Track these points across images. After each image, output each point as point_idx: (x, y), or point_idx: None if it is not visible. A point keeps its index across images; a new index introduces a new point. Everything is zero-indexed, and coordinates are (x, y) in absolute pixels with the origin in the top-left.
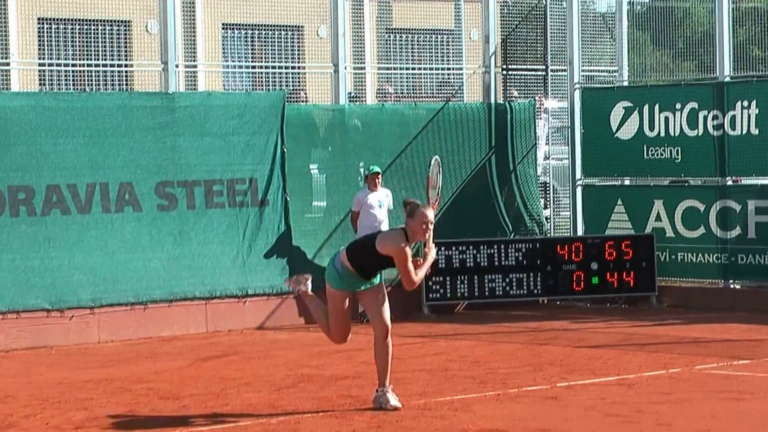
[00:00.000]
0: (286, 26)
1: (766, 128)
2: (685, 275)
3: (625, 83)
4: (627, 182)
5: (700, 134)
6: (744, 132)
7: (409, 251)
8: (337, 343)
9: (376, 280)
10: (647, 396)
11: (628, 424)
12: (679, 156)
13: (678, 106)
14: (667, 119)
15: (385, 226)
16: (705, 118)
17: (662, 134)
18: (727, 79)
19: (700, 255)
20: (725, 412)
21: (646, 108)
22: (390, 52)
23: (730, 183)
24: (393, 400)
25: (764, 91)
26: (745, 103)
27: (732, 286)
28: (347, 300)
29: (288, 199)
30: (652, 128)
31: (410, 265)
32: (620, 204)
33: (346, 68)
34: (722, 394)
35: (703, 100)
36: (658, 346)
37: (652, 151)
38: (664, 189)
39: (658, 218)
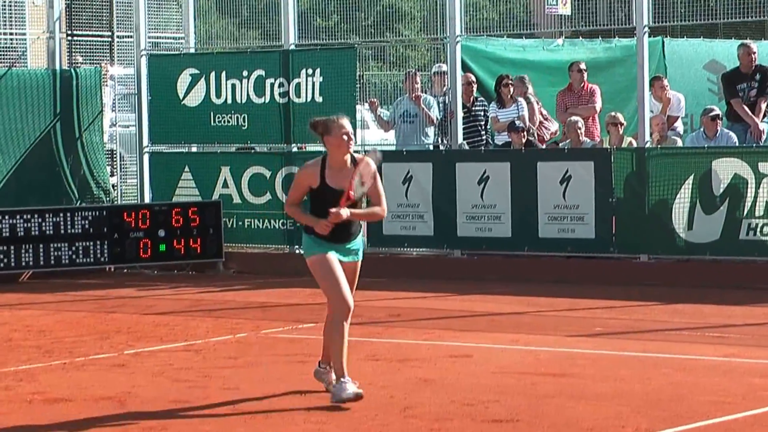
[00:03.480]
0: None
1: (330, 96)
2: (252, 241)
3: (192, 50)
4: (194, 149)
5: (266, 102)
6: (309, 99)
7: (306, 174)
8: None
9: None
10: (214, 361)
11: (195, 389)
12: (246, 123)
13: (245, 73)
14: (234, 86)
15: None
16: (271, 85)
17: (229, 101)
18: (292, 47)
19: (266, 221)
20: (291, 374)
21: (213, 75)
22: None
23: (295, 150)
24: (352, 387)
25: (327, 59)
26: (310, 71)
27: (297, 251)
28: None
29: None
30: (219, 95)
31: (295, 191)
32: (187, 171)
33: None
34: (288, 357)
35: (270, 68)
36: (225, 312)
37: (219, 118)
38: (231, 156)
39: (225, 185)
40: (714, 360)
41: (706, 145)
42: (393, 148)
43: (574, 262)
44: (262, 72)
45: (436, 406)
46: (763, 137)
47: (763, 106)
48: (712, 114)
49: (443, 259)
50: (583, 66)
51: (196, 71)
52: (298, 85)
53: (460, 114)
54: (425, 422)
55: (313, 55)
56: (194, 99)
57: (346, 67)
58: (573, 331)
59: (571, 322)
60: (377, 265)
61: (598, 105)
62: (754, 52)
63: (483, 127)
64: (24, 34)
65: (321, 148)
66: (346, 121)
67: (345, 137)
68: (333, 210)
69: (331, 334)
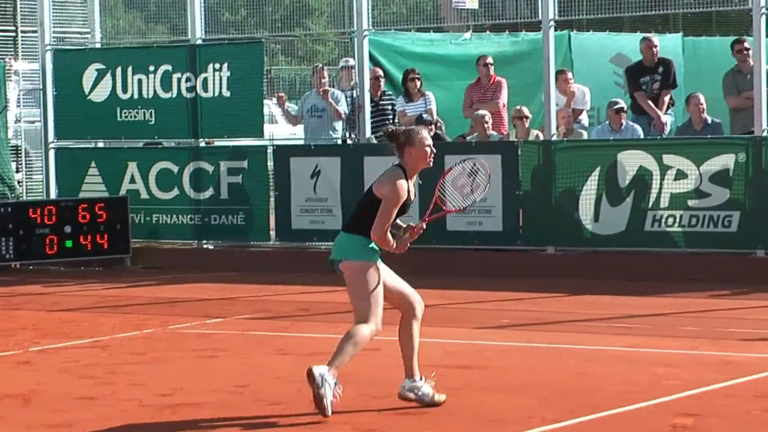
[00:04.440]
0: None
1: (237, 90)
2: (160, 236)
3: (98, 45)
4: (101, 144)
5: (173, 96)
6: (216, 94)
7: (404, 189)
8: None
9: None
10: (121, 357)
11: (102, 386)
12: (153, 118)
13: (151, 68)
14: (140, 81)
15: None
16: (178, 80)
17: (136, 96)
18: (200, 41)
19: (174, 216)
20: (199, 370)
21: (119, 70)
22: None
23: (203, 145)
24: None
25: (235, 53)
26: (217, 66)
27: (205, 246)
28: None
29: None
30: (125, 90)
31: (394, 211)
32: (94, 166)
33: None
34: (196, 353)
35: (177, 63)
36: (132, 308)
37: (125, 113)
38: (138, 151)
39: (133, 180)
40: (620, 350)
41: (611, 138)
42: (301, 142)
43: (482, 255)
44: (168, 67)
45: (345, 399)
46: (667, 129)
47: (666, 98)
48: (616, 107)
49: None
50: (489, 60)
51: (102, 66)
52: (206, 79)
53: (368, 108)
54: (334, 416)
55: (221, 50)
56: (100, 94)
57: (254, 62)
58: (481, 324)
59: (479, 314)
60: (286, 260)
61: (502, 100)
62: (656, 46)
63: (391, 121)
64: None
65: (229, 143)
66: (426, 133)
67: (429, 149)
68: (418, 226)
69: (348, 340)
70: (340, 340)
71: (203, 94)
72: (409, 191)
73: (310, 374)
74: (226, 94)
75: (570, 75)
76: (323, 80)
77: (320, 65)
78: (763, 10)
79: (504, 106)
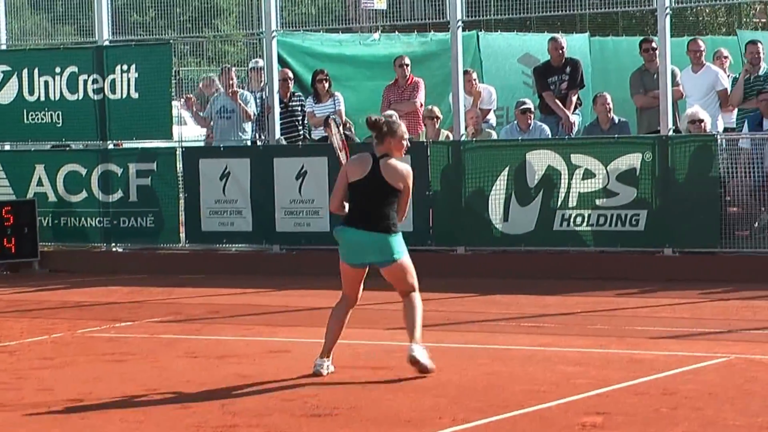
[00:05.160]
0: None
1: (145, 92)
2: (69, 240)
3: (4, 47)
4: (7, 147)
5: (80, 98)
6: (124, 96)
7: None
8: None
9: None
10: (29, 362)
11: (9, 391)
12: (61, 120)
13: (58, 70)
14: (47, 83)
15: None
16: (85, 82)
17: (43, 98)
18: (107, 43)
19: (83, 219)
20: (108, 374)
21: (25, 72)
22: None
23: (111, 147)
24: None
25: (143, 54)
26: (125, 67)
27: (114, 249)
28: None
29: None
30: (32, 92)
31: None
32: (0, 169)
33: None
34: (105, 357)
35: (83, 64)
36: (40, 312)
37: (32, 115)
38: (46, 153)
39: (40, 183)
40: (529, 349)
41: (519, 138)
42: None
43: None
44: (75, 68)
45: (255, 401)
46: (575, 129)
47: (574, 98)
48: (522, 107)
49: (262, 254)
50: (406, 61)
51: (8, 68)
52: (113, 81)
53: (277, 109)
54: (244, 418)
55: (128, 51)
56: (6, 96)
57: (162, 63)
58: (390, 324)
59: (388, 315)
60: (195, 262)
61: (419, 100)
62: (563, 47)
63: (300, 122)
64: None
65: (138, 145)
66: (404, 127)
67: (406, 143)
68: None
69: (416, 311)
70: (406, 316)
71: (111, 96)
72: None
73: (414, 361)
74: (134, 95)
75: (475, 75)
76: (231, 81)
77: (228, 66)
78: (668, 11)
79: (421, 105)
